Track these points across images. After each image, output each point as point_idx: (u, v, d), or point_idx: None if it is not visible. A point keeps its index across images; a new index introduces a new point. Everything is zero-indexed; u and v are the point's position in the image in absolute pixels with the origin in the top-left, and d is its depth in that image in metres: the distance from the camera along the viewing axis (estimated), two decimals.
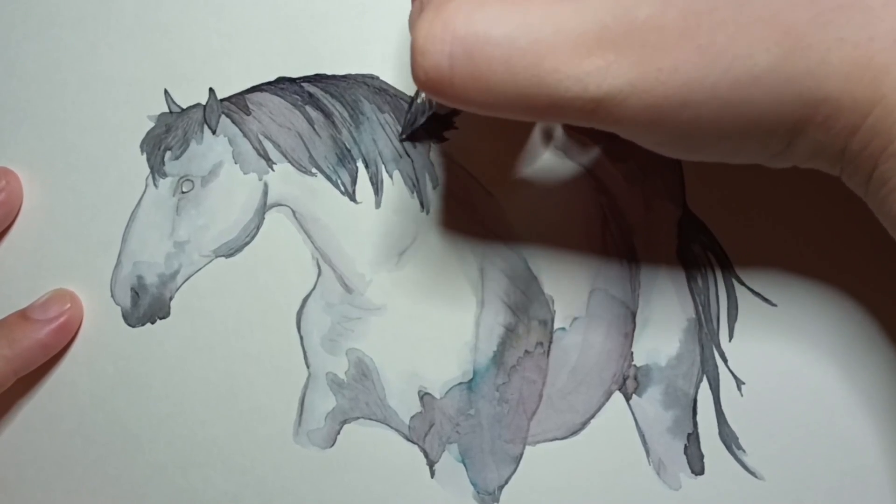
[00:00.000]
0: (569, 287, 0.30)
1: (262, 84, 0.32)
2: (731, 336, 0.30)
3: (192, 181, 0.32)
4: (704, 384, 0.30)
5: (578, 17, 0.21)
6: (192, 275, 0.32)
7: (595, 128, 0.23)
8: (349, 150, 0.31)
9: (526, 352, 0.30)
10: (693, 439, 0.30)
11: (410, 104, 0.31)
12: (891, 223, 0.23)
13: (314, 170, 0.31)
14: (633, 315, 0.30)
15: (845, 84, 0.21)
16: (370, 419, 0.31)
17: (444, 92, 0.22)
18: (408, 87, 0.31)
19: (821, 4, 0.20)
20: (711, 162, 0.25)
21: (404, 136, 0.31)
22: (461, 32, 0.21)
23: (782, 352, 0.29)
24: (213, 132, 0.32)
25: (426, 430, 0.31)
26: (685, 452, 0.30)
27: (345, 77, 0.31)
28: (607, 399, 0.30)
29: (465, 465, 0.31)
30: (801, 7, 0.20)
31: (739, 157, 0.24)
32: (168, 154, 0.32)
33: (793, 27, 0.20)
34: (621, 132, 0.23)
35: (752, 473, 0.29)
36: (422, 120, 0.30)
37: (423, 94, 0.30)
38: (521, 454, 0.30)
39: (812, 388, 0.29)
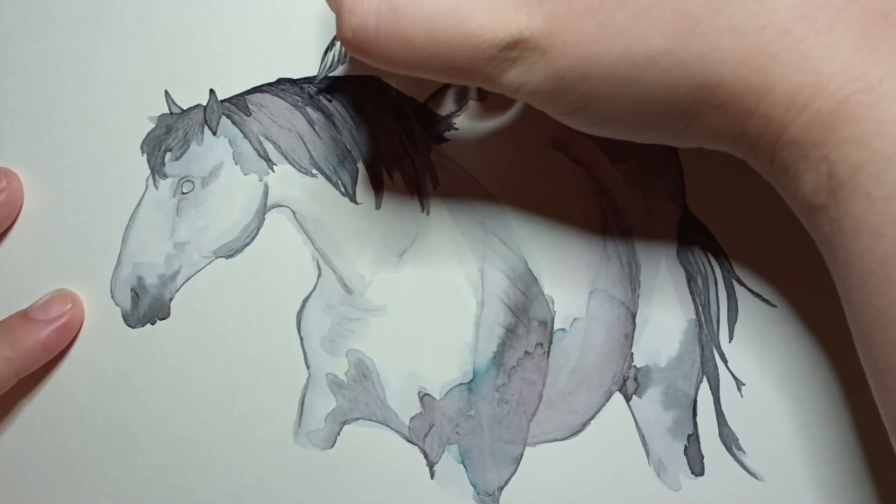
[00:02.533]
0: (569, 287, 0.30)
1: (263, 85, 0.32)
2: (731, 337, 0.30)
3: (192, 182, 0.32)
4: (704, 385, 0.30)
5: None
6: (193, 276, 0.32)
7: (505, 94, 0.24)
8: (349, 151, 0.31)
9: (526, 352, 0.30)
10: (693, 440, 0.30)
11: (326, 51, 0.31)
12: (797, 208, 0.24)
13: (315, 171, 0.31)
14: (633, 316, 0.30)
15: (737, 71, 0.21)
16: (370, 420, 0.31)
17: (370, 51, 0.23)
18: (408, 88, 0.31)
19: None
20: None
21: (317, 81, 0.31)
22: None
23: (782, 352, 0.29)
24: (214, 133, 0.32)
25: (426, 430, 0.31)
26: (685, 453, 0.30)
27: (345, 78, 0.31)
28: (607, 400, 0.30)
29: (464, 466, 0.30)
30: None
31: (641, 135, 0.25)
32: (168, 155, 0.32)
33: (687, 13, 0.21)
34: (528, 100, 0.24)
35: (752, 474, 0.29)
36: (336, 68, 0.31)
37: (338, 44, 0.30)
38: (521, 455, 0.30)
39: (812, 388, 0.29)
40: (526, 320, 0.30)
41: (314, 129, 0.31)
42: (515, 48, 0.23)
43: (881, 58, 0.21)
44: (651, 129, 0.24)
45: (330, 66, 0.31)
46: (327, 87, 0.31)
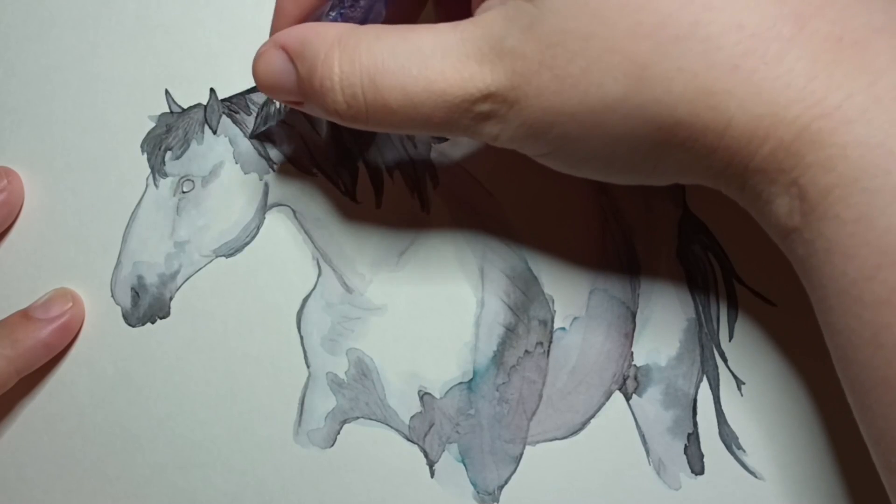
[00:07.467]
0: (569, 287, 0.30)
1: None
2: (731, 336, 0.30)
3: (192, 181, 0.32)
4: (704, 384, 0.30)
5: (461, 45, 0.23)
6: (193, 275, 0.32)
7: (486, 142, 0.25)
8: (350, 151, 0.31)
9: (526, 352, 0.30)
10: (693, 439, 0.30)
11: (261, 108, 0.31)
12: (773, 232, 0.24)
13: (315, 170, 0.31)
14: (634, 315, 0.30)
15: (693, 110, 0.22)
16: (370, 419, 0.31)
17: (360, 118, 0.25)
18: None
19: (659, 36, 0.21)
20: None
21: (252, 136, 0.32)
22: (366, 64, 0.24)
23: (782, 352, 0.29)
24: (214, 132, 0.32)
25: (426, 429, 0.31)
26: (685, 452, 0.30)
27: None
28: (607, 399, 0.30)
29: (464, 465, 0.30)
30: (641, 40, 0.21)
31: (617, 176, 0.25)
32: (169, 154, 0.32)
33: (636, 60, 0.22)
34: (507, 146, 0.25)
35: (752, 473, 0.29)
36: (272, 123, 0.31)
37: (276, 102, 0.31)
38: (521, 454, 0.30)
39: (812, 388, 0.29)
40: (526, 319, 0.30)
41: (314, 129, 0.31)
42: (486, 101, 0.23)
43: (837, 83, 0.21)
44: (623, 170, 0.25)
45: (267, 119, 0.31)
46: None
